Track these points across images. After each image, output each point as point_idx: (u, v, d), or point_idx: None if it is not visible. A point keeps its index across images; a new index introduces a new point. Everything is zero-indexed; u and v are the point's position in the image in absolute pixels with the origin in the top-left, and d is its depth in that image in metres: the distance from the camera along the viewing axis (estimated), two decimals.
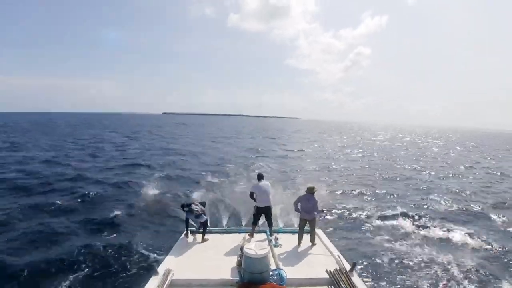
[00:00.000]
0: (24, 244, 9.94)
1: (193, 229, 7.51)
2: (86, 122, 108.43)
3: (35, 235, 10.50)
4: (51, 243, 10.11)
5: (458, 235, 11.46)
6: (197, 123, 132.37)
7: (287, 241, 7.01)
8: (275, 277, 5.07)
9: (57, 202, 13.92)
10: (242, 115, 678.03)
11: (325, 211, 7.41)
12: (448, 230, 11.97)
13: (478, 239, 11.25)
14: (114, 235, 10.90)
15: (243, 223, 9.10)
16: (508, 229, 12.67)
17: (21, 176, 19.23)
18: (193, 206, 7.19)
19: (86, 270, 8.55)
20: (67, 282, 7.97)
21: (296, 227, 7.54)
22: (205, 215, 7.30)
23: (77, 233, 10.97)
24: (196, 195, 14.44)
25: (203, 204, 7.59)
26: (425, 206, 15.49)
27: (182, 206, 7.40)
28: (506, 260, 9.79)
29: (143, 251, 9.53)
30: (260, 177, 7.69)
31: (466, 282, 8.28)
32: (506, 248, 10.50)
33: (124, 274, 8.27)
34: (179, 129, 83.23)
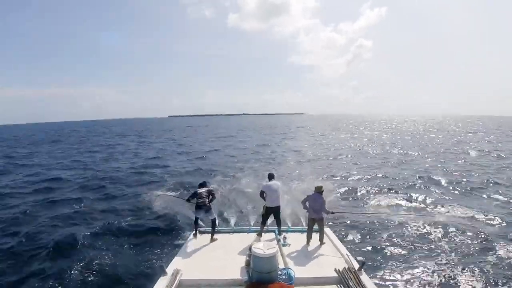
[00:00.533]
0: (45, 230, 11.41)
1: (202, 229, 7.56)
2: (96, 130, 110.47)
3: (55, 226, 11.86)
4: (64, 235, 10.90)
5: (473, 227, 11.13)
6: (203, 125, 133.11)
7: (296, 241, 7.00)
8: (284, 277, 5.06)
9: (75, 205, 14.56)
10: (247, 114, 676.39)
11: (334, 213, 7.40)
12: (462, 221, 11.61)
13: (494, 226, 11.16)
14: (126, 234, 11.06)
15: (252, 223, 9.11)
16: None
17: (49, 178, 21.14)
18: (199, 200, 7.11)
19: (93, 265, 8.78)
20: (76, 272, 8.36)
21: (305, 226, 7.52)
22: (213, 197, 7.30)
23: (92, 229, 11.42)
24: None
25: (203, 184, 7.48)
26: (438, 198, 15.02)
27: (188, 200, 7.39)
28: None
29: (152, 251, 9.63)
30: (271, 176, 7.68)
31: (482, 276, 8.07)
32: None
33: (132, 274, 8.33)
34: (187, 132, 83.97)
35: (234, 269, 5.56)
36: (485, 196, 15.35)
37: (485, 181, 18.21)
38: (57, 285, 7.87)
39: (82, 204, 14.69)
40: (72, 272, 8.38)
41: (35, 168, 25.77)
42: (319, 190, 6.94)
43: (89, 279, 8.14)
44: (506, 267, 8.36)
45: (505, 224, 11.38)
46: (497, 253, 9.08)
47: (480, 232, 10.54)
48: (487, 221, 11.70)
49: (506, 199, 14.65)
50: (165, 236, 10.78)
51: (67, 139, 63.87)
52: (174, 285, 4.90)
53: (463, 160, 26.45)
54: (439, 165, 23.79)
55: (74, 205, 14.49)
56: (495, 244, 9.63)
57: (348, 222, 11.63)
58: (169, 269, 5.37)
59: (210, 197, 7.26)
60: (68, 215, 13.11)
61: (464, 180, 18.65)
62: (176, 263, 5.76)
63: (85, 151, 38.58)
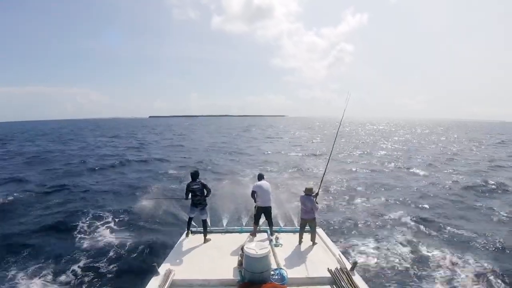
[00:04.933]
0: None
1: (194, 229, 7.51)
2: (91, 128, 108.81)
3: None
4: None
5: (461, 237, 11.27)
6: (186, 124, 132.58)
7: (288, 241, 7.01)
8: (276, 277, 5.07)
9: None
10: (229, 115, 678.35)
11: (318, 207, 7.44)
12: (452, 229, 11.83)
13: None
14: (116, 235, 10.94)
15: (244, 223, 9.09)
16: None
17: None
18: (195, 198, 7.00)
19: (86, 266, 8.72)
20: (65, 276, 8.26)
21: (297, 226, 7.54)
22: (208, 190, 7.12)
23: (85, 225, 11.65)
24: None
25: (196, 175, 7.19)
26: (427, 203, 15.10)
27: (187, 198, 7.19)
28: None
29: (144, 251, 9.54)
30: (260, 177, 7.67)
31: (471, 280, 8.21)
32: None
33: (124, 275, 8.24)
34: (178, 130, 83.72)
35: (227, 269, 5.55)
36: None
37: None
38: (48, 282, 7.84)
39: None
40: (65, 272, 8.35)
41: None
42: (308, 192, 6.97)
43: (81, 279, 8.06)
44: None
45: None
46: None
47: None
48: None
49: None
50: (156, 236, 10.68)
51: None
52: (167, 285, 4.86)
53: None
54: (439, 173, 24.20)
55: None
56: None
57: (340, 222, 11.73)
58: (162, 269, 5.32)
59: (205, 191, 7.12)
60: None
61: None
62: (169, 263, 5.72)
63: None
